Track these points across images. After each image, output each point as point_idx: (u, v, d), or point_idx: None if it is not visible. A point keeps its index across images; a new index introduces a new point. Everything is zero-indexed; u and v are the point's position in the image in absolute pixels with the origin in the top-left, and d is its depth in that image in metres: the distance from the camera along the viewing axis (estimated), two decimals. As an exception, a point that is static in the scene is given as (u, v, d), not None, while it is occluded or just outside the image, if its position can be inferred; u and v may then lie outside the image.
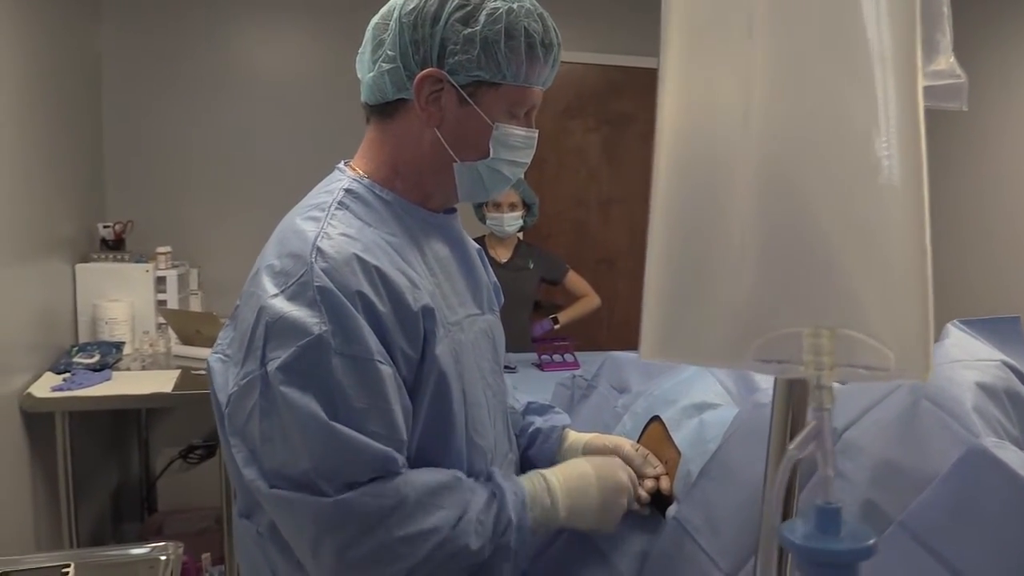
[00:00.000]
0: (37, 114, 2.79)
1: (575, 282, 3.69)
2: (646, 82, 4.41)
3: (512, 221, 3.38)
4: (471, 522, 1.02)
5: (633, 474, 1.21)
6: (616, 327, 4.32)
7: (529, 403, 1.44)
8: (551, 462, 1.34)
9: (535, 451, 1.36)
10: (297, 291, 0.99)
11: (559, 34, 1.13)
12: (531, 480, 1.13)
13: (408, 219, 1.14)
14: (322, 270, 0.99)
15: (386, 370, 0.99)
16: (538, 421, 1.39)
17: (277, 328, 0.98)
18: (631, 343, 1.92)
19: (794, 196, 0.47)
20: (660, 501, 1.25)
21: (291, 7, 3.94)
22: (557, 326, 3.56)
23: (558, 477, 1.15)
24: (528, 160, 1.18)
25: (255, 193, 3.73)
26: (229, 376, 1.07)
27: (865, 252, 0.46)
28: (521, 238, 3.61)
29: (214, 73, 3.86)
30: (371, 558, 0.98)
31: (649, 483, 1.25)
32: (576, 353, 3.21)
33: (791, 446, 0.48)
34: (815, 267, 0.46)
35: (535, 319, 3.57)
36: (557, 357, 3.20)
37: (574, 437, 1.36)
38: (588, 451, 1.32)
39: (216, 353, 1.15)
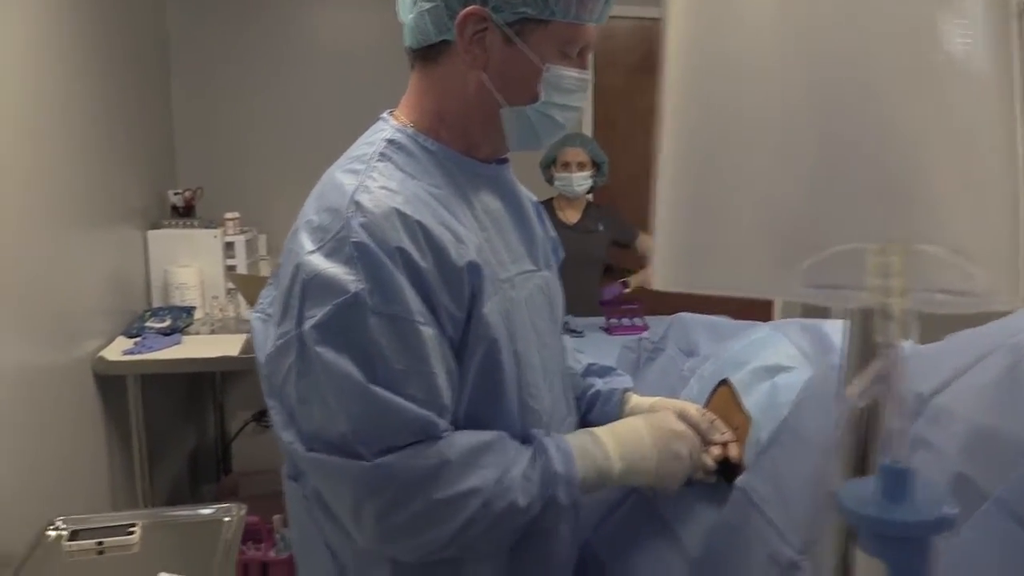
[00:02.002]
0: (110, 87, 2.82)
1: (647, 244, 3.58)
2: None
3: (581, 181, 3.29)
4: (515, 479, 0.97)
5: (693, 432, 1.14)
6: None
7: (589, 365, 1.36)
8: (611, 427, 1.27)
9: (595, 414, 1.29)
10: (334, 247, 0.94)
11: None
12: (576, 435, 1.08)
13: (455, 170, 1.07)
14: (360, 225, 0.93)
15: (427, 331, 0.94)
16: (598, 383, 1.32)
17: (313, 286, 0.94)
18: (704, 307, 1.83)
19: (854, 89, 0.37)
20: (728, 469, 1.16)
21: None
22: (627, 290, 3.46)
23: (605, 430, 1.09)
24: (581, 104, 1.09)
25: (321, 158, 3.62)
26: (268, 335, 1.03)
27: (943, 152, 0.36)
28: (590, 199, 3.51)
29: (278, 41, 3.84)
30: (414, 522, 0.94)
31: (716, 450, 1.17)
32: (646, 317, 3.11)
33: (851, 390, 0.38)
34: (881, 171, 0.36)
35: (605, 283, 3.48)
36: (625, 321, 3.11)
37: (636, 400, 1.28)
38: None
39: (257, 312, 1.11)
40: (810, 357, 1.21)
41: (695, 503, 1.21)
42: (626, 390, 1.30)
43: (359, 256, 0.92)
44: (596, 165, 3.36)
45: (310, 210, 1.01)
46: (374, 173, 1.00)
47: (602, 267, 3.51)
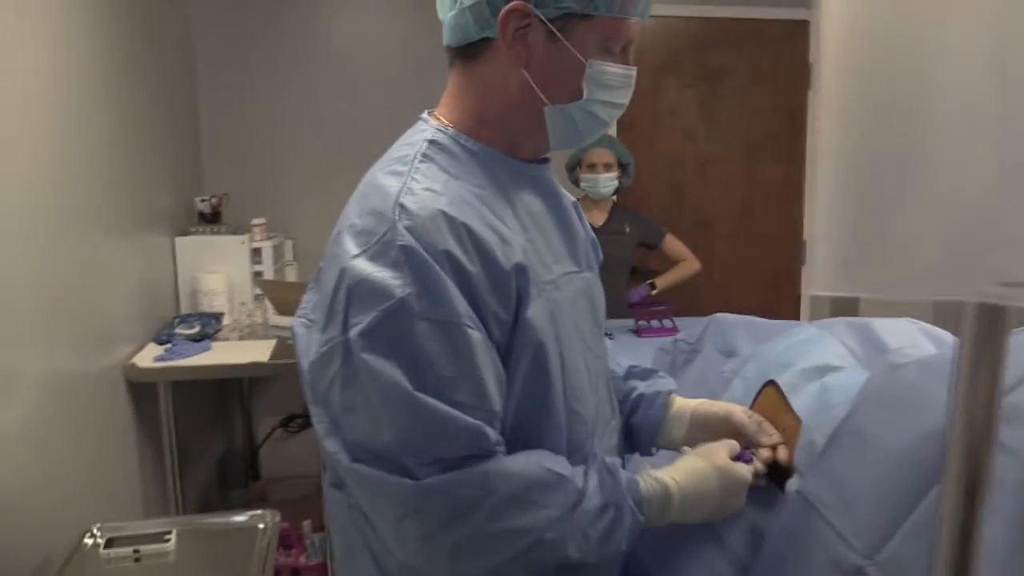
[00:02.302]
0: (137, 94, 2.83)
1: (674, 246, 3.55)
2: (741, 33, 4.18)
3: (607, 182, 3.27)
4: (574, 532, 0.95)
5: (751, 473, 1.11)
6: (715, 291, 4.15)
7: (631, 367, 1.34)
8: (655, 430, 1.25)
9: (638, 418, 1.27)
10: (380, 251, 0.92)
11: None
12: (653, 492, 1.04)
13: (497, 170, 1.05)
14: (406, 228, 0.92)
15: (476, 335, 0.92)
16: (641, 386, 1.29)
17: (359, 291, 0.92)
18: (731, 307, 1.79)
19: None
20: (777, 473, 1.14)
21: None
22: (654, 291, 3.44)
23: (681, 489, 1.06)
24: (626, 101, 1.07)
25: (347, 162, 3.66)
26: (312, 342, 1.01)
27: None
28: (616, 201, 3.49)
29: (303, 46, 3.85)
30: (455, 549, 0.92)
31: (765, 453, 1.14)
32: (675, 318, 3.08)
33: (1008, 390, 0.35)
34: None
35: (631, 285, 3.45)
36: (655, 323, 3.08)
37: (680, 403, 1.25)
38: (696, 418, 1.22)
39: (300, 318, 1.10)
40: (860, 357, 1.19)
41: (744, 505, 1.18)
42: (670, 392, 1.27)
43: (406, 260, 0.90)
44: (622, 166, 3.34)
45: (353, 213, 1.00)
46: (417, 175, 0.98)
47: (629, 269, 3.48)
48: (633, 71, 1.06)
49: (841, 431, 0.99)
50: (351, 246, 0.95)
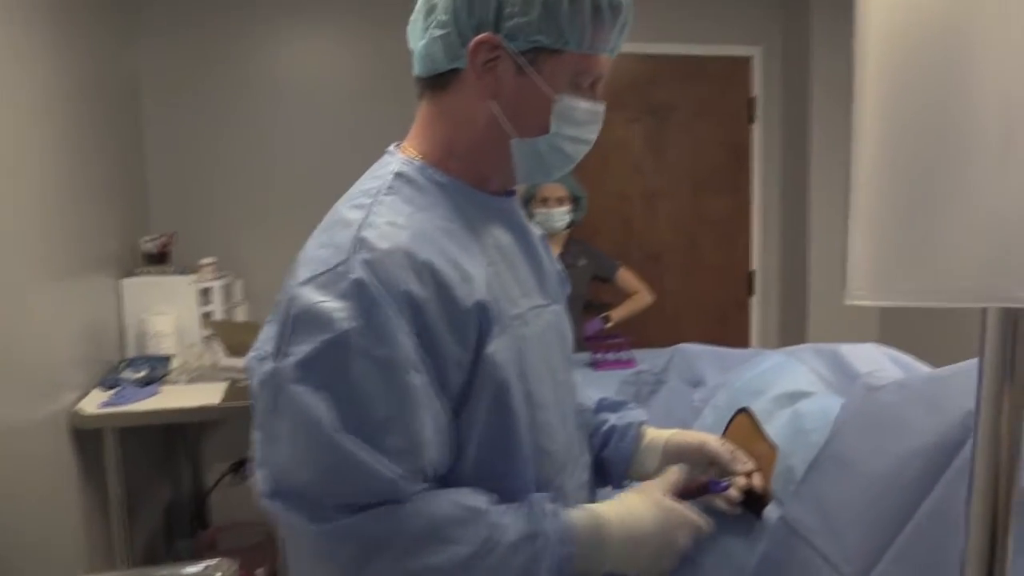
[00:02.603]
0: (81, 132, 2.76)
1: (627, 279, 3.58)
2: (686, 70, 4.28)
3: (561, 216, 3.29)
4: (490, 568, 0.90)
5: (695, 528, 1.06)
6: (667, 323, 4.19)
7: (601, 399, 1.33)
8: (627, 462, 1.24)
9: (610, 450, 1.26)
10: (329, 280, 0.90)
11: None
12: (586, 523, 0.98)
13: (465, 203, 1.04)
14: (364, 262, 0.89)
15: (418, 380, 0.89)
16: (612, 418, 1.28)
17: (302, 320, 0.89)
18: (682, 339, 1.80)
19: None
20: (753, 501, 1.14)
21: (327, 15, 3.89)
22: (609, 324, 3.46)
23: (618, 519, 1.00)
24: (593, 137, 1.07)
25: (298, 199, 3.68)
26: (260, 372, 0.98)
27: None
28: (570, 234, 3.51)
29: (252, 83, 3.82)
30: None
31: (741, 481, 1.14)
32: (631, 351, 3.10)
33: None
34: None
35: (586, 318, 3.47)
36: (611, 355, 3.09)
37: (653, 434, 1.25)
38: (669, 448, 1.22)
39: (254, 352, 1.06)
40: (830, 382, 1.20)
41: (718, 535, 1.17)
42: (642, 424, 1.27)
43: (355, 293, 0.88)
44: (575, 200, 3.37)
45: (312, 244, 0.97)
46: (380, 208, 0.96)
47: (584, 303, 3.50)
48: (601, 107, 1.06)
49: (822, 456, 0.99)
50: (302, 273, 0.93)
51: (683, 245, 4.41)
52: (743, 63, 4.33)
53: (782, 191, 4.41)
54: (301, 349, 0.88)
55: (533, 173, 1.07)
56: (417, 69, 1.06)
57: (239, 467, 3.67)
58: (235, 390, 2.73)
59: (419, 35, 1.04)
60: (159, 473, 3.54)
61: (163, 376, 2.88)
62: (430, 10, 1.02)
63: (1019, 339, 0.43)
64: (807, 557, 0.93)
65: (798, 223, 4.27)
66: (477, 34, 0.97)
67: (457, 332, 0.92)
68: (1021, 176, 0.35)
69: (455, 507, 0.91)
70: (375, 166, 1.09)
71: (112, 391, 2.66)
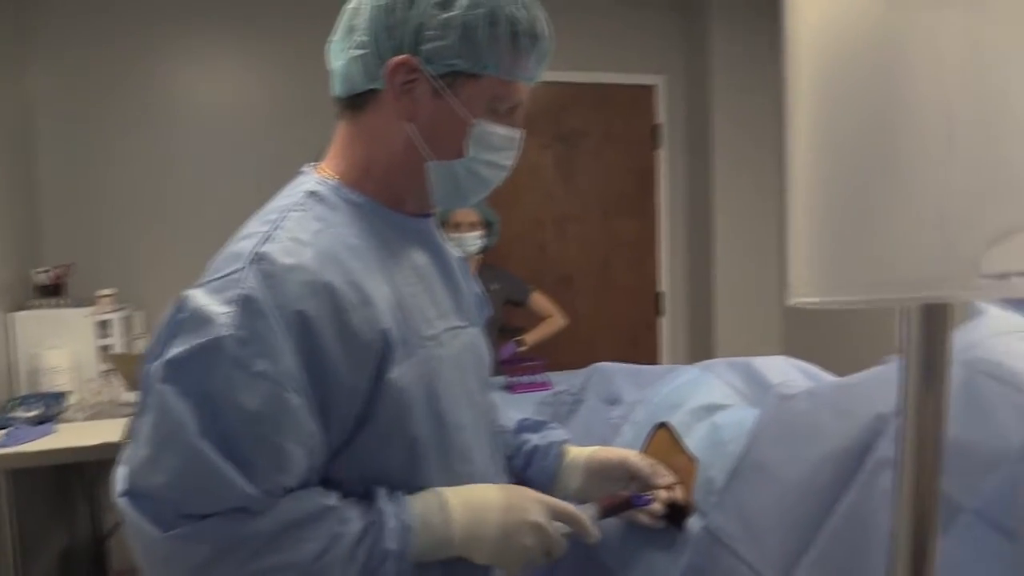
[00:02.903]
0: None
1: (540, 302, 3.61)
2: (594, 97, 4.38)
3: (473, 241, 3.29)
4: (338, 556, 0.88)
5: (552, 510, 1.03)
6: (579, 346, 4.23)
7: (522, 420, 1.33)
8: (551, 481, 1.24)
9: (533, 470, 1.25)
10: (221, 286, 0.88)
11: (550, 25, 1.03)
12: (424, 501, 0.97)
13: (380, 223, 1.02)
14: (258, 274, 0.87)
15: (294, 400, 0.86)
16: (534, 439, 1.28)
17: (184, 321, 0.87)
18: (595, 360, 1.82)
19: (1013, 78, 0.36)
20: (676, 514, 1.15)
21: (226, 37, 3.82)
22: (523, 348, 3.47)
23: (459, 498, 0.98)
24: (510, 163, 1.07)
25: (200, 230, 3.57)
26: None
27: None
28: (483, 259, 3.51)
29: (151, 110, 3.70)
30: None
31: (663, 494, 1.16)
32: (546, 373, 3.11)
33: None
34: None
35: (500, 342, 3.47)
36: (527, 378, 3.10)
37: (574, 452, 1.25)
38: (591, 466, 1.22)
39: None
40: (745, 394, 1.23)
41: (641, 548, 1.19)
42: (563, 443, 1.27)
43: (243, 303, 0.86)
44: (487, 225, 3.38)
45: (217, 258, 0.95)
46: (287, 223, 0.94)
47: (498, 327, 3.50)
48: (519, 133, 1.06)
49: (742, 465, 1.01)
50: (200, 279, 0.91)
51: (594, 268, 4.48)
52: (648, 91, 4.45)
53: (688, 214, 4.54)
54: (175, 349, 0.85)
55: (450, 196, 1.06)
56: (336, 89, 1.05)
57: (142, 507, 3.50)
58: (138, 426, 2.61)
59: (338, 55, 1.03)
60: (55, 517, 3.34)
61: (58, 414, 2.74)
62: (350, 30, 1.01)
63: (940, 336, 0.45)
64: (731, 564, 0.94)
65: (703, 245, 4.40)
66: (396, 55, 0.97)
67: (352, 357, 0.90)
68: (963, 173, 0.37)
69: (308, 505, 0.89)
70: (290, 185, 1.07)
71: (2, 432, 2.50)
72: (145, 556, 0.87)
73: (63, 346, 2.97)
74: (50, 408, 2.71)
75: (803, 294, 0.43)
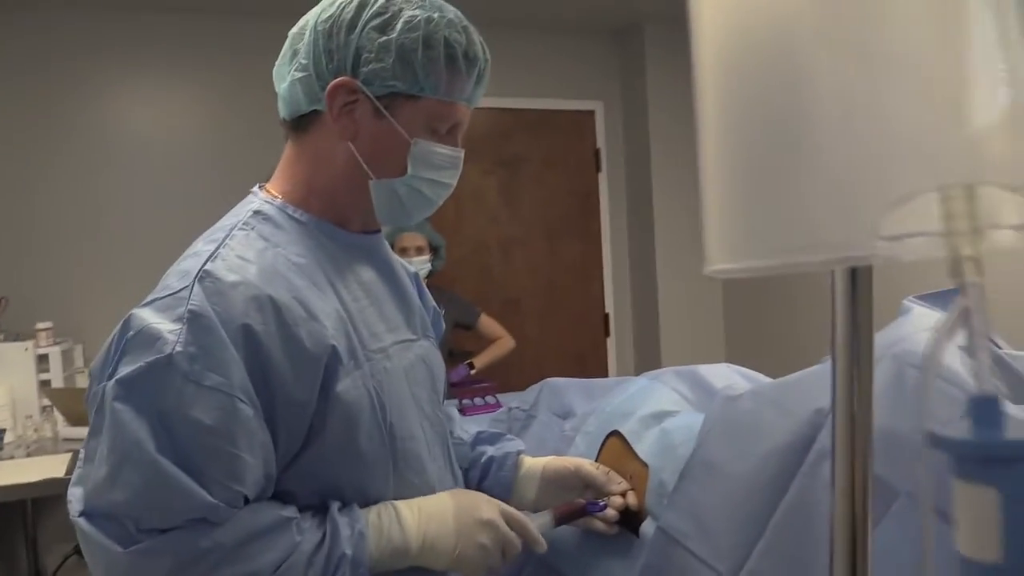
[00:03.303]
0: None
1: (488, 325, 3.64)
2: (536, 123, 4.45)
3: (420, 265, 3.30)
4: (297, 565, 0.90)
5: (502, 514, 1.06)
6: (528, 368, 4.25)
7: (479, 433, 1.35)
8: (507, 491, 1.26)
9: (490, 481, 1.27)
10: (168, 304, 0.90)
11: (487, 50, 1.07)
12: (378, 511, 0.99)
13: (325, 241, 1.05)
14: (203, 291, 0.89)
15: (246, 411, 0.88)
16: (490, 450, 1.30)
17: (133, 340, 0.88)
18: (548, 375, 1.85)
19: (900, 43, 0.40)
20: (630, 519, 1.18)
21: (161, 65, 3.79)
22: (473, 371, 3.49)
23: (412, 506, 1.01)
24: (452, 181, 1.10)
25: (137, 259, 3.51)
26: None
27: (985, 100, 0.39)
28: (430, 283, 3.53)
29: (88, 139, 3.65)
30: None
31: (617, 500, 1.19)
32: (497, 395, 3.13)
33: (939, 329, 0.40)
34: (932, 118, 0.40)
35: (449, 366, 3.48)
36: (479, 400, 3.11)
37: (530, 463, 1.28)
38: (546, 475, 1.25)
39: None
40: (691, 400, 1.28)
41: (598, 556, 1.21)
42: (519, 453, 1.30)
43: (191, 319, 0.87)
44: (433, 249, 3.40)
45: (164, 277, 0.96)
46: (232, 242, 0.97)
47: (447, 351, 3.52)
48: (460, 153, 1.09)
49: (691, 463, 1.05)
50: (147, 298, 0.93)
51: (540, 291, 4.53)
52: (588, 116, 4.55)
53: (630, 235, 4.63)
54: (126, 368, 0.86)
55: (394, 214, 1.09)
56: (281, 111, 1.08)
57: (84, 547, 3.40)
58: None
59: (283, 78, 1.06)
60: (-10, 561, 3.23)
61: (-4, 451, 2.66)
62: (293, 54, 1.04)
63: (861, 294, 0.50)
64: (684, 561, 0.98)
65: (647, 265, 4.49)
66: (336, 77, 1.00)
67: (299, 370, 0.92)
68: (859, 146, 0.41)
69: (266, 517, 0.91)
70: (238, 205, 1.08)
71: (-63, 471, 2.42)
72: (107, 574, 0.86)
73: (0, 382, 2.89)
74: (-13, 446, 2.63)
75: (717, 262, 0.47)
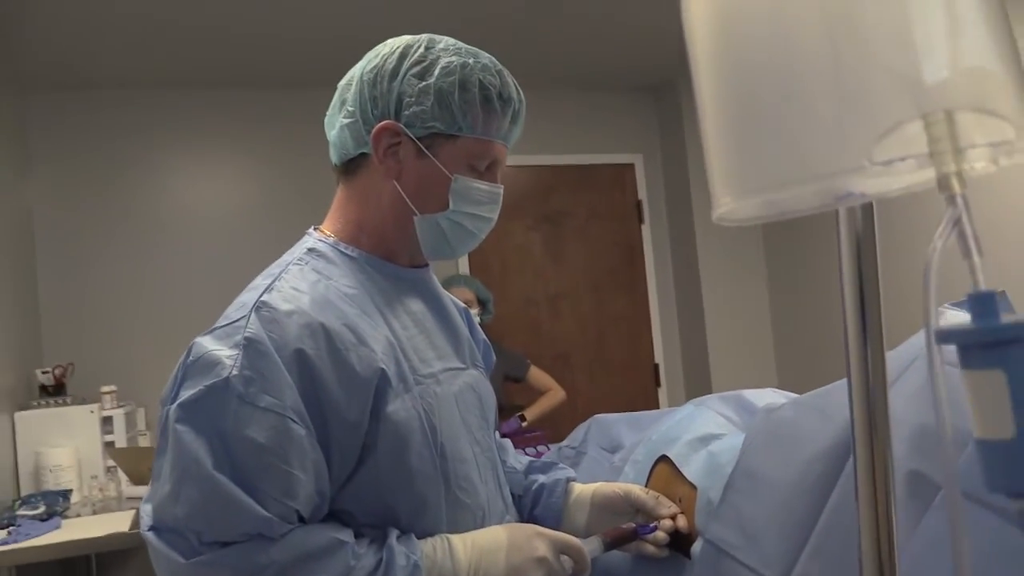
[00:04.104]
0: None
1: (538, 377, 3.65)
2: (577, 178, 4.53)
3: (468, 318, 3.36)
4: None
5: (557, 542, 1.07)
6: (579, 420, 4.21)
7: (531, 462, 1.38)
8: (558, 517, 1.28)
9: (541, 508, 1.29)
10: (227, 332, 0.96)
11: (521, 92, 1.13)
12: (432, 544, 1.01)
13: (375, 274, 1.11)
14: (260, 320, 0.96)
15: (298, 430, 0.93)
16: (542, 478, 1.32)
17: (195, 366, 0.95)
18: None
19: None
20: (680, 541, 1.19)
21: (217, 141, 3.98)
22: (524, 423, 3.49)
23: (466, 541, 1.04)
24: (493, 216, 1.16)
25: (196, 326, 3.60)
26: None
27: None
28: (478, 337, 3.57)
29: (148, 212, 3.83)
30: None
31: (667, 523, 1.19)
32: (549, 445, 3.13)
33: (936, 238, 0.44)
34: (920, 52, 0.44)
35: (501, 420, 3.49)
36: (530, 450, 3.11)
37: (580, 489, 1.29)
38: (596, 500, 1.26)
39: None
40: (737, 423, 1.28)
41: (652, 583, 1.21)
42: (569, 480, 1.31)
43: (247, 345, 0.94)
44: (481, 303, 3.45)
45: (226, 309, 1.04)
46: (287, 275, 1.04)
47: (498, 404, 3.53)
48: (499, 188, 1.15)
49: (735, 475, 1.06)
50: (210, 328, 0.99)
51: (589, 343, 4.54)
52: (628, 169, 4.62)
53: (676, 284, 4.64)
54: (187, 392, 0.93)
55: (439, 247, 1.14)
56: (332, 157, 1.16)
57: (146, 609, 3.44)
58: (143, 517, 2.60)
59: (333, 125, 1.14)
60: (57, 623, 3.28)
61: (63, 511, 2.73)
62: (342, 103, 1.13)
63: (867, 230, 0.54)
64: (734, 571, 0.98)
65: (695, 314, 4.48)
66: (380, 121, 1.07)
67: (350, 392, 0.97)
68: (850, 82, 0.45)
69: (322, 539, 0.95)
70: (295, 246, 1.15)
71: (8, 528, 2.49)
72: None
73: (66, 444, 2.99)
74: (53, 506, 2.70)
75: (724, 204, 0.50)
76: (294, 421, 0.93)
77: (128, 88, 3.82)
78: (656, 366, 4.60)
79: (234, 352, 0.94)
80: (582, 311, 4.54)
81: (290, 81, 3.90)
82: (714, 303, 4.38)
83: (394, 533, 1.00)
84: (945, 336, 0.46)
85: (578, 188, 4.55)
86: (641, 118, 4.67)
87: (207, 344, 0.96)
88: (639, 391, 4.57)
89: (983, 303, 0.45)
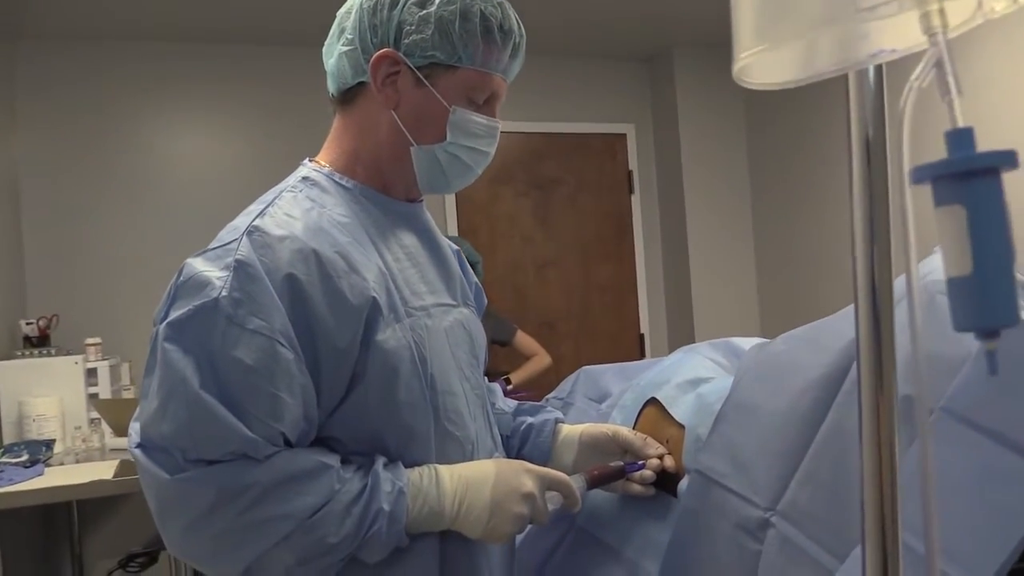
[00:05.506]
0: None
1: (525, 342, 3.66)
2: (569, 146, 4.52)
3: (456, 279, 3.35)
4: (333, 513, 0.94)
5: (544, 478, 1.08)
6: (565, 388, 4.27)
7: (519, 405, 1.39)
8: (546, 457, 1.29)
9: (529, 448, 1.30)
10: (218, 254, 0.97)
11: (522, 25, 1.13)
12: (420, 472, 1.02)
13: (369, 205, 1.11)
14: (251, 243, 0.96)
15: (286, 354, 0.94)
16: (530, 419, 1.34)
17: (185, 286, 0.96)
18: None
19: None
20: (667, 480, 1.20)
21: (205, 95, 3.93)
22: (510, 387, 3.50)
23: (453, 471, 1.03)
24: (490, 150, 1.15)
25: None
26: None
27: None
28: (465, 299, 3.57)
29: (136, 165, 3.78)
30: (214, 541, 0.93)
31: (654, 462, 1.20)
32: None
33: (912, 77, 0.45)
34: None
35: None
36: (515, 412, 3.13)
37: (568, 430, 1.30)
38: (584, 440, 1.27)
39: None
40: (726, 367, 1.29)
41: (639, 521, 1.23)
42: (557, 421, 1.32)
43: (237, 268, 0.94)
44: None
45: (219, 233, 1.04)
46: (280, 202, 1.04)
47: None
48: (497, 123, 1.14)
49: (726, 407, 1.07)
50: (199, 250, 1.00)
51: (575, 312, 4.56)
52: (620, 139, 4.61)
53: (664, 255, 4.65)
54: (176, 312, 0.94)
55: (434, 180, 1.14)
56: (330, 87, 1.15)
57: (129, 562, 3.45)
58: (127, 466, 2.60)
59: (331, 54, 1.12)
60: (39, 566, 3.28)
61: (46, 460, 2.72)
62: (341, 32, 1.12)
63: (876, 95, 0.55)
64: (722, 498, 0.99)
65: (681, 285, 4.50)
66: (379, 50, 1.06)
67: (340, 319, 0.97)
68: None
69: (308, 461, 0.95)
70: (289, 176, 1.14)
71: (-9, 474, 2.49)
72: (156, 501, 0.93)
73: (50, 394, 2.97)
74: (36, 455, 2.70)
75: (743, 60, 0.52)
76: (282, 345, 0.93)
77: (118, 40, 3.77)
78: (642, 336, 4.62)
79: (224, 274, 0.94)
80: (569, 279, 4.55)
81: (281, 38, 3.86)
82: (701, 274, 4.40)
83: (381, 460, 1.01)
84: (917, 174, 0.46)
85: (569, 156, 4.54)
86: (634, 88, 4.65)
87: (198, 265, 0.96)
88: (623, 359, 4.57)
89: (960, 139, 0.45)
